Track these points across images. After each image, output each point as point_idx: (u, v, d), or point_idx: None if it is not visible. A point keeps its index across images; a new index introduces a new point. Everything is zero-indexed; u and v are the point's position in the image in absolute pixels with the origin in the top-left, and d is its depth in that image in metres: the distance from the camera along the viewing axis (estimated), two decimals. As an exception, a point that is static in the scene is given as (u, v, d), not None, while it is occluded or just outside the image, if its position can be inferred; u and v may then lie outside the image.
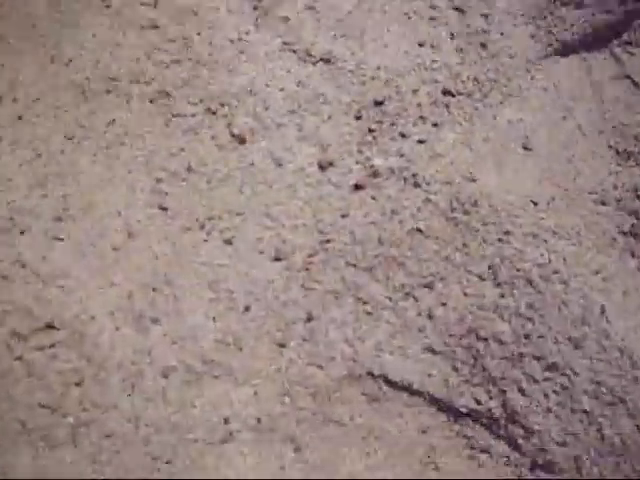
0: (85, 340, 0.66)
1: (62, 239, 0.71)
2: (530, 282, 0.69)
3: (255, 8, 0.86)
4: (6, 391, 0.65)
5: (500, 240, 0.71)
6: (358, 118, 0.81)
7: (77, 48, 0.82)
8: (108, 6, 0.86)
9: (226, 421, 0.63)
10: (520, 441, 0.67)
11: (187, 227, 0.73)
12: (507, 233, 0.72)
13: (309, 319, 0.68)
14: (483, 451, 0.68)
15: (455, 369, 0.68)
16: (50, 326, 0.67)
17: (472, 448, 0.68)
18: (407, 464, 0.67)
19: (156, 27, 0.84)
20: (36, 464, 0.63)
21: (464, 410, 0.67)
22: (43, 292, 0.68)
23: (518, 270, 0.70)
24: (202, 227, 0.73)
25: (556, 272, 0.69)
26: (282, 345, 0.68)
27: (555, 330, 0.67)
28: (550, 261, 0.70)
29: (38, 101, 0.78)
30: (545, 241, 0.71)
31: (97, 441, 0.63)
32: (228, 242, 0.73)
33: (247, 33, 0.85)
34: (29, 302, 0.66)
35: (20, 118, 0.77)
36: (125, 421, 0.63)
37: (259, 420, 0.64)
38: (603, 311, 0.67)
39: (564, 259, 0.70)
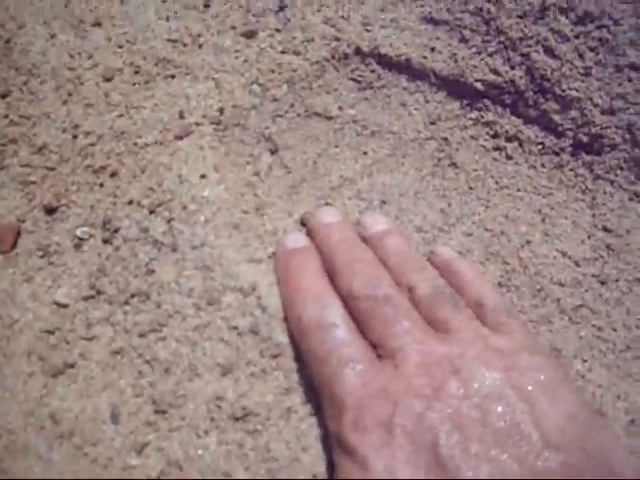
0: (13, 49, 0.54)
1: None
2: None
3: None
4: None
5: None
6: None
7: None
8: None
9: (181, 115, 0.49)
10: (555, 117, 0.52)
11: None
12: None
13: (281, 7, 0.55)
14: (510, 139, 0.53)
15: (464, 40, 0.54)
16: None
17: (495, 137, 0.53)
18: (416, 162, 0.53)
19: None
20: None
21: (480, 87, 0.52)
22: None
23: None
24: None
25: None
26: (250, 36, 0.54)
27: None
28: None
29: None
30: None
31: (26, 158, 0.50)
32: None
33: None
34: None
35: None
36: (60, 132, 0.51)
37: (222, 110, 0.50)
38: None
39: None
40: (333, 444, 0.39)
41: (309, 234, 0.49)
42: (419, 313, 0.42)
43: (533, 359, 0.39)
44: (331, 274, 0.45)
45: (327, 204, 0.50)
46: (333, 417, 0.37)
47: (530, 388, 0.35)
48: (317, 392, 0.42)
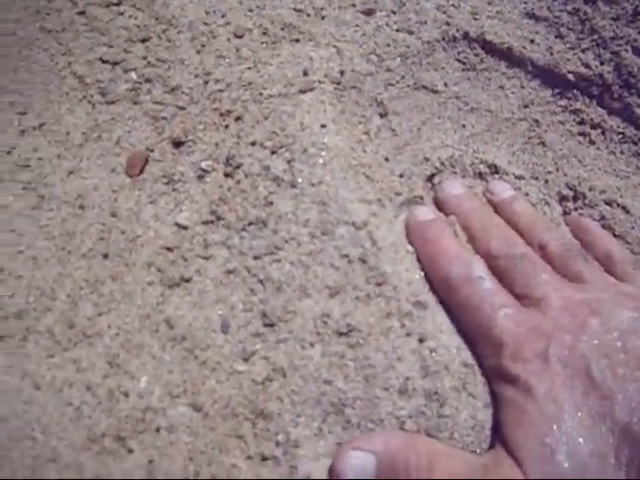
0: (155, 1, 0.61)
1: None
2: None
3: None
4: (65, 45, 0.59)
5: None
6: None
7: None
8: None
9: (305, 73, 0.55)
10: (637, 110, 0.58)
11: None
12: None
13: (400, -9, 0.62)
14: (594, 127, 0.59)
15: (560, 36, 0.60)
16: (115, -10, 0.61)
17: (582, 123, 0.60)
18: (509, 138, 0.59)
19: None
20: (91, 118, 0.57)
21: (571, 78, 0.59)
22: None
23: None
24: None
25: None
26: (369, 13, 0.61)
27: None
28: None
29: None
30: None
31: (159, 96, 0.56)
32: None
33: None
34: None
35: None
36: (193, 77, 0.57)
37: (342, 73, 0.56)
38: None
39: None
40: (493, 377, 0.44)
41: (439, 205, 0.55)
42: (552, 268, 0.48)
43: None
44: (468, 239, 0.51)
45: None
46: (492, 354, 0.42)
47: None
48: (472, 336, 0.46)
